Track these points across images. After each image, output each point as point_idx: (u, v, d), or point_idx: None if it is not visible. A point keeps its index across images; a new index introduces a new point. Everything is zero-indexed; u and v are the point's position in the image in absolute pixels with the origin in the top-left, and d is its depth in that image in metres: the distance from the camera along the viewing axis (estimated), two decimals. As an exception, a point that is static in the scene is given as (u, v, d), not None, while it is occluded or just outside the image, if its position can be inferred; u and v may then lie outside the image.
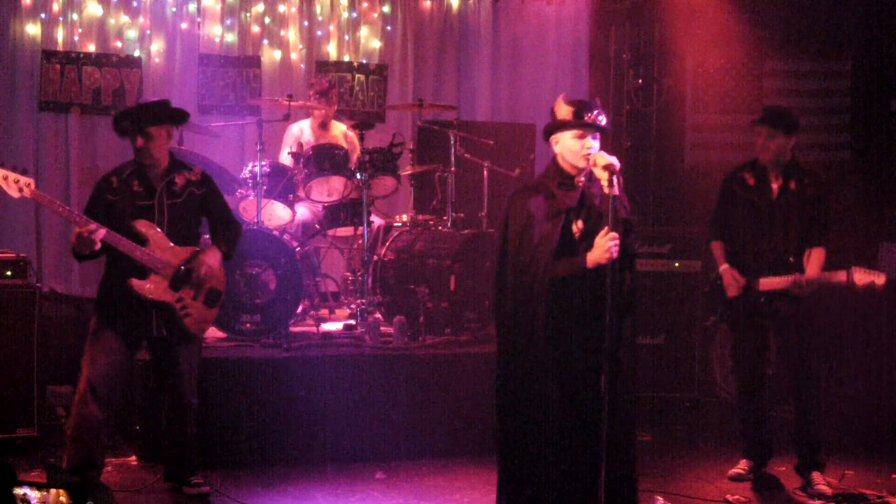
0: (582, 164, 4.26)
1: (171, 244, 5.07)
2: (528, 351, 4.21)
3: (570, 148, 4.27)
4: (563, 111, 4.31)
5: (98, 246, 4.85)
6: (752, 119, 5.73)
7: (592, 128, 4.26)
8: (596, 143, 4.27)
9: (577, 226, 4.25)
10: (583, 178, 4.30)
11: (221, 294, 5.26)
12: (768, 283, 5.54)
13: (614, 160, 4.14)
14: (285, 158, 7.21)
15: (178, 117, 5.23)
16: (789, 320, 5.57)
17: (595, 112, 4.29)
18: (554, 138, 4.34)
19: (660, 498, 5.25)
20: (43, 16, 7.61)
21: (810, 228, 5.56)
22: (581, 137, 4.25)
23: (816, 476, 5.54)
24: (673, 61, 8.38)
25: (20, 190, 4.83)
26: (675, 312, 7.30)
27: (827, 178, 5.91)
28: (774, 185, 5.63)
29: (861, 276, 5.38)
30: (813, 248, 5.53)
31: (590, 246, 4.15)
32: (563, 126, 4.29)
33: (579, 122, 4.26)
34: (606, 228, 4.09)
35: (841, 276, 5.42)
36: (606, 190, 4.11)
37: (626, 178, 4.33)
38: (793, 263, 5.51)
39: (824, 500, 5.40)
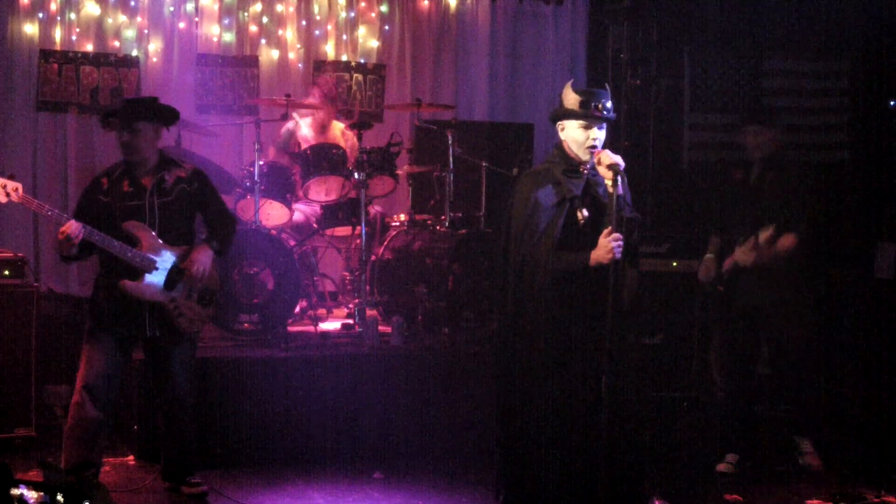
0: (586, 157, 4.24)
1: (163, 244, 5.04)
2: (529, 348, 4.19)
3: (576, 138, 4.25)
4: (571, 100, 4.27)
5: (75, 251, 4.82)
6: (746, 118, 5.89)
7: (597, 119, 4.24)
8: (602, 134, 4.24)
9: (582, 213, 4.23)
10: (587, 167, 4.28)
11: (215, 292, 5.24)
12: (728, 262, 5.67)
13: (619, 159, 4.12)
14: (277, 154, 7.23)
15: (166, 115, 5.16)
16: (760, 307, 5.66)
17: (602, 102, 4.24)
18: (560, 124, 4.31)
19: (658, 501, 5.23)
20: (41, 15, 7.59)
21: (784, 215, 5.58)
22: (586, 128, 4.23)
23: (804, 444, 5.67)
24: (672, 61, 8.37)
25: (7, 195, 4.84)
26: (673, 312, 7.29)
27: (788, 162, 5.92)
28: (753, 176, 5.74)
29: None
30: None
31: (594, 235, 4.13)
32: (568, 115, 4.26)
33: (584, 113, 4.23)
34: (610, 228, 4.07)
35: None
36: (611, 189, 4.09)
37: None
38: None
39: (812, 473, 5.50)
